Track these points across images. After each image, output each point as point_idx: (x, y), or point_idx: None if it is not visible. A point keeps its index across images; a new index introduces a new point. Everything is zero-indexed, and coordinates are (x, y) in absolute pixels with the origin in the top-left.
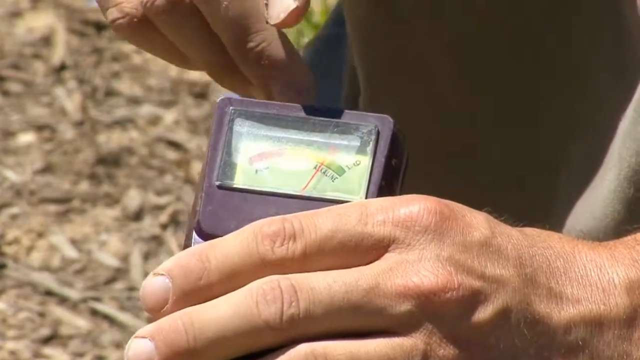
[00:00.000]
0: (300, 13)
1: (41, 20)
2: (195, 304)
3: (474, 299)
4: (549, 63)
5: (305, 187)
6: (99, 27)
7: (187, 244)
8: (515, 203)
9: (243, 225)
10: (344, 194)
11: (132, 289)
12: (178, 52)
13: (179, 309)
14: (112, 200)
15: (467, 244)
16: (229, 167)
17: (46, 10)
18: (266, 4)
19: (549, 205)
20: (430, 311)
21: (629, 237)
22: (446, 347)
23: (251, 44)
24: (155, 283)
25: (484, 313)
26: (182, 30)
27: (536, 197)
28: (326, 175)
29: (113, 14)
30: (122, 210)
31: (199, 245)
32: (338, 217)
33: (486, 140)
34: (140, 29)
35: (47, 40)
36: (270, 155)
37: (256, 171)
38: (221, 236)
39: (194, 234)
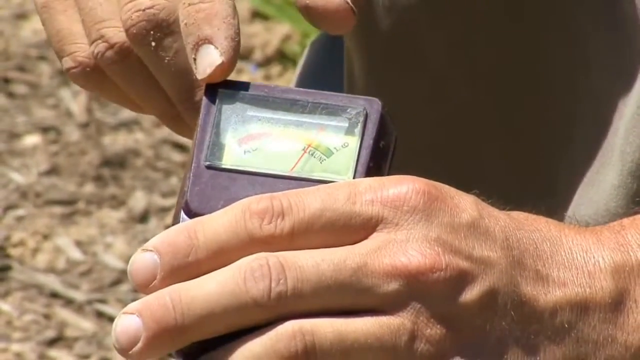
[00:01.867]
0: (226, 69)
1: None
2: (183, 281)
3: (462, 279)
4: (549, 53)
5: (293, 168)
6: None
7: (175, 222)
8: (515, 196)
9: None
10: (332, 174)
11: (137, 291)
12: (131, 99)
13: (167, 285)
14: (117, 202)
15: (455, 225)
16: (217, 147)
17: None
18: (194, 59)
19: (549, 199)
20: (418, 291)
21: (615, 222)
22: (433, 327)
23: (196, 98)
24: (143, 259)
25: (471, 293)
26: (131, 80)
27: (535, 191)
28: (314, 157)
29: (67, 63)
30: (128, 212)
31: (187, 222)
32: (326, 196)
33: (485, 132)
34: (94, 77)
35: None
36: (258, 136)
37: (244, 152)
38: None
39: (182, 214)
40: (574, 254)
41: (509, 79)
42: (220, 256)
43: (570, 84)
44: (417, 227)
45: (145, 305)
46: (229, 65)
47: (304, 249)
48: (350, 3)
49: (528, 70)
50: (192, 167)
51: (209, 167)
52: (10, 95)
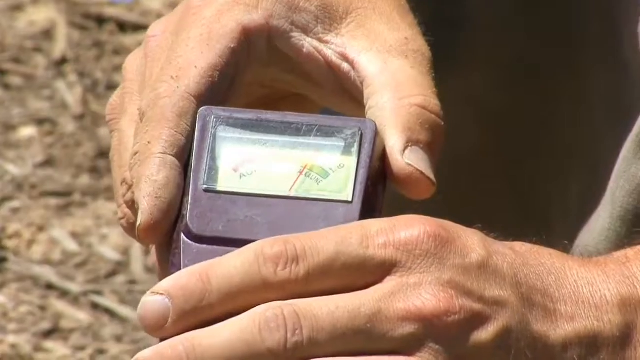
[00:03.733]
0: (146, 228)
1: (42, 14)
2: (194, 324)
3: (475, 321)
4: (554, 97)
5: (290, 189)
6: (100, 20)
7: (176, 246)
8: (511, 235)
9: (231, 227)
10: (330, 193)
11: (132, 282)
12: None
13: (178, 329)
14: (112, 194)
15: (466, 266)
16: (214, 171)
17: (47, 4)
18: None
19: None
20: (434, 333)
21: (619, 253)
22: None
23: None
24: (154, 303)
25: (485, 334)
26: None
27: (531, 231)
28: (310, 178)
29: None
30: None
31: (198, 265)
32: (340, 240)
33: (485, 173)
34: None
35: (48, 34)
36: (254, 159)
37: (241, 176)
38: (210, 237)
39: (182, 236)
40: (580, 287)
41: (516, 122)
42: (233, 300)
43: (574, 123)
44: (429, 270)
45: (158, 354)
46: (147, 225)
47: (317, 292)
48: (431, 177)
49: (536, 115)
50: (190, 191)
51: (207, 191)
52: (6, 87)
